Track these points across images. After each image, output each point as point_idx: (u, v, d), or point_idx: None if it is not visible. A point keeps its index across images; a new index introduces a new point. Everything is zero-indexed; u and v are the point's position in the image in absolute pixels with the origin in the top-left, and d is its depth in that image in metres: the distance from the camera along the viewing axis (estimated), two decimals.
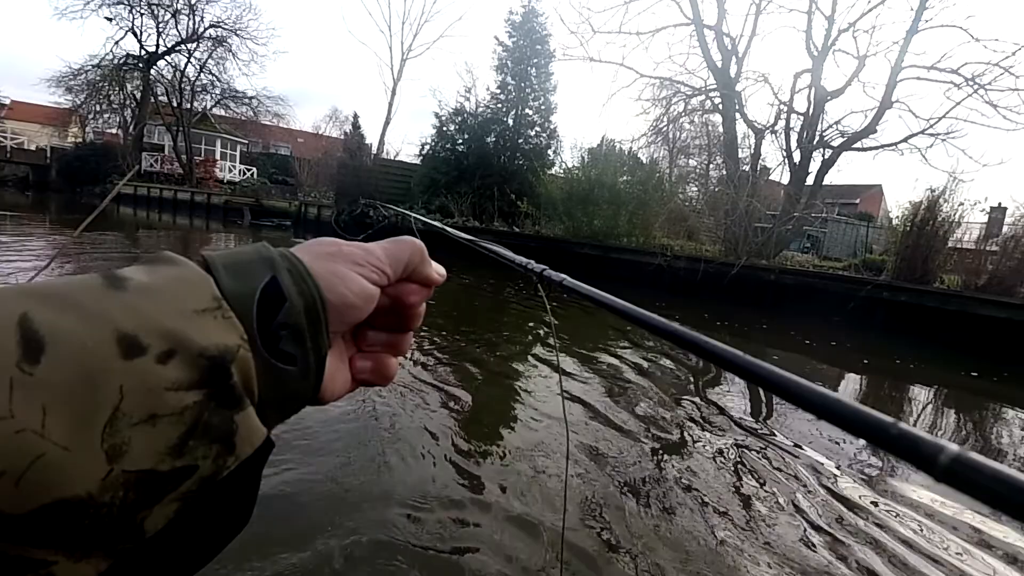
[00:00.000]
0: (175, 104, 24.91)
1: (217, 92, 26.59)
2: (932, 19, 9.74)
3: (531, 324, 5.94)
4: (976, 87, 9.47)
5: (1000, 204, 9.15)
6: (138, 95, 26.46)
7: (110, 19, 24.31)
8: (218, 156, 27.57)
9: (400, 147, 38.96)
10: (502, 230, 12.43)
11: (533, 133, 14.90)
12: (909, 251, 7.95)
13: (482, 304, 7.10)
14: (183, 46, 24.88)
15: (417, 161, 16.58)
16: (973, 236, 8.35)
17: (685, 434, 3.11)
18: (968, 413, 4.62)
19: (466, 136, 14.91)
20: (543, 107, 14.86)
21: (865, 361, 6.18)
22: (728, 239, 9.67)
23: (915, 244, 7.93)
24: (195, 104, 25.85)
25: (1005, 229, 8.19)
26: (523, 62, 14.55)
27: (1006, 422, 4.40)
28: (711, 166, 18.34)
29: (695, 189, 18.30)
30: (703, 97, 13.06)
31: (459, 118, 15.07)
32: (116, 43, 24.80)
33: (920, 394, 5.13)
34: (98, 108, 27.17)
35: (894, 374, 5.79)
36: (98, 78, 25.37)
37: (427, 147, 15.63)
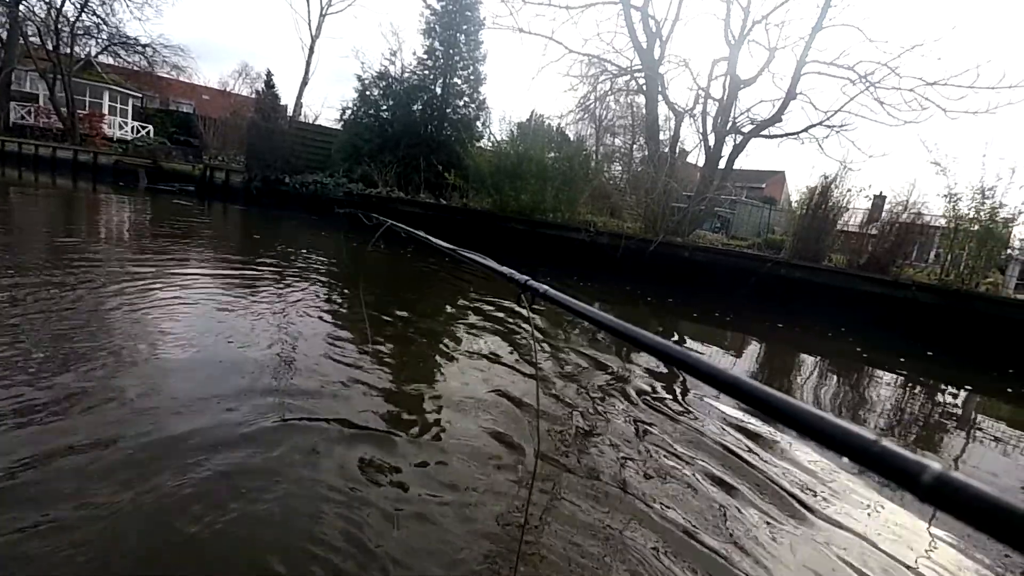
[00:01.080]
0: (51, 47, 21.69)
1: (104, 37, 23.45)
2: (834, 18, 10.51)
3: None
4: (868, 84, 10.39)
5: (881, 192, 10.23)
6: (3, 35, 22.79)
7: None
8: (106, 110, 24.52)
9: (320, 110, 36.73)
10: (428, 202, 12.15)
11: (462, 103, 14.55)
12: (804, 232, 8.73)
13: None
14: None
15: (338, 126, 15.69)
16: (857, 220, 9.30)
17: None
18: (844, 376, 5.21)
19: (391, 102, 14.28)
20: (472, 77, 14.51)
21: (770, 325, 6.78)
22: (648, 217, 10.07)
23: (809, 226, 8.71)
24: (76, 49, 22.64)
25: (884, 215, 9.18)
26: (452, 28, 14.07)
27: (876, 382, 5.01)
28: (635, 146, 18.92)
29: (619, 168, 18.88)
30: (628, 77, 13.35)
31: (384, 83, 14.38)
32: None
33: (806, 360, 5.70)
34: None
35: (789, 342, 6.39)
36: None
37: (349, 112, 14.80)
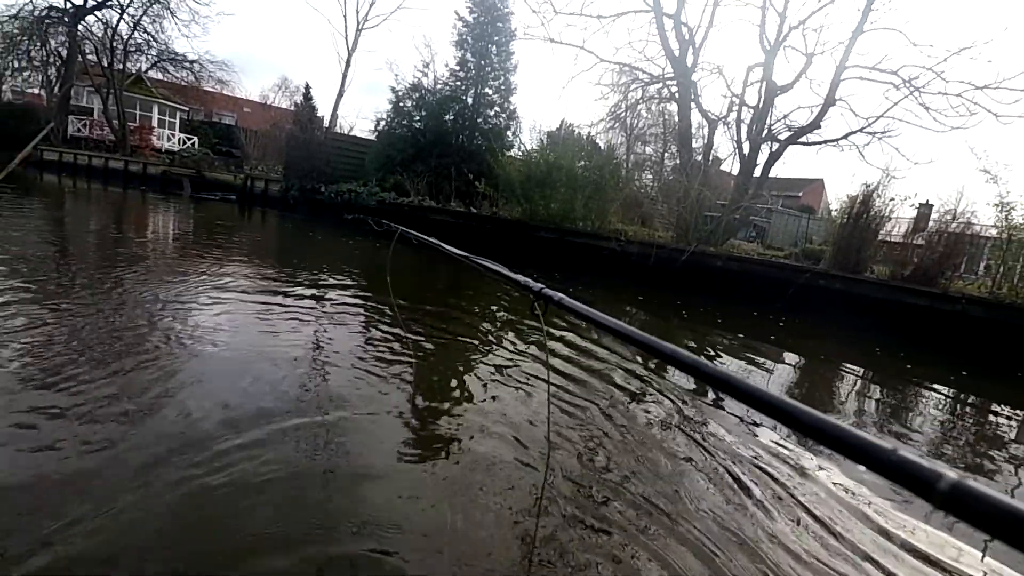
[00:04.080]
0: (105, 64, 22.95)
1: (153, 53, 24.70)
2: (876, 21, 10.21)
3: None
4: (912, 89, 10.03)
5: (928, 201, 9.81)
6: (63, 53, 24.24)
7: None
8: (155, 123, 25.73)
9: (354, 121, 37.77)
10: (459, 210, 12.27)
11: (492, 113, 14.70)
12: (844, 242, 8.43)
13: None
14: (115, 0, 22.86)
15: (372, 137, 16.06)
16: (902, 230, 8.93)
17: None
18: (887, 389, 4.98)
19: (423, 113, 14.53)
20: (503, 87, 14.66)
21: (807, 342, 6.55)
22: (680, 226, 9.92)
23: (850, 236, 8.41)
24: (128, 65, 23.90)
25: (931, 225, 8.79)
26: (483, 39, 14.26)
27: (921, 398, 4.78)
28: (666, 154, 18.74)
29: (650, 176, 18.71)
30: (660, 85, 13.26)
31: (416, 94, 14.66)
32: None
33: (847, 374, 5.47)
34: (16, 65, 24.75)
35: (825, 355, 6.16)
36: (15, 31, 23.03)
37: (383, 123, 15.14)
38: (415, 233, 1.88)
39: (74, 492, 1.76)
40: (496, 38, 14.36)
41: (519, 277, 1.05)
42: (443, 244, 1.46)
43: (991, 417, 4.66)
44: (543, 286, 0.94)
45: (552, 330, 4.80)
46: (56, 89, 24.99)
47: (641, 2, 12.17)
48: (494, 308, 5.92)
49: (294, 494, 1.90)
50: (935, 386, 5.22)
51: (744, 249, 10.59)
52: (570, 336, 4.69)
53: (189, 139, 26.35)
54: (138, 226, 9.75)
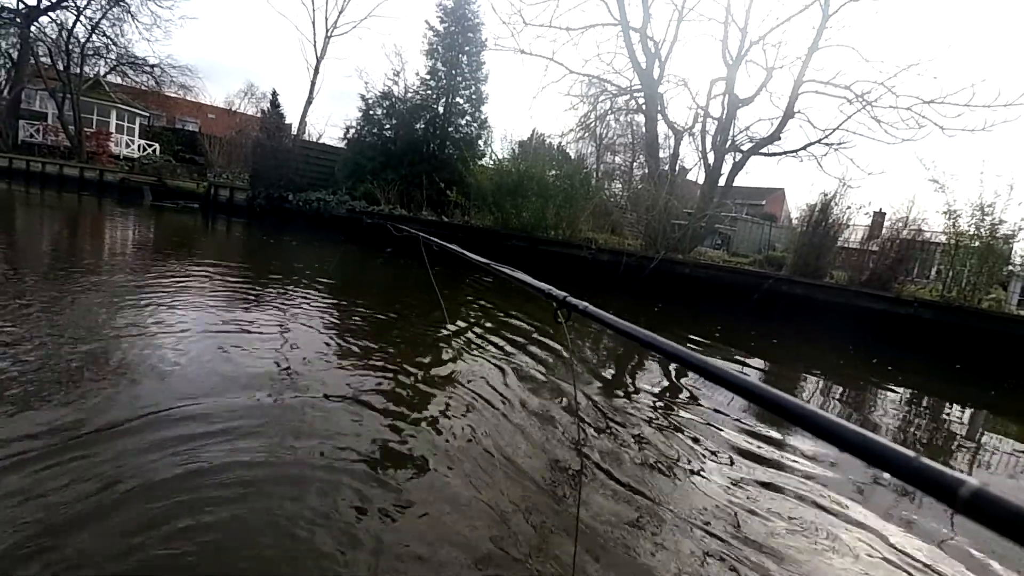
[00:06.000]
0: (61, 67, 22.08)
1: (112, 57, 23.91)
2: (830, 39, 10.71)
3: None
4: (864, 103, 10.53)
5: (880, 209, 10.27)
6: (14, 55, 23.24)
7: None
8: (113, 128, 24.85)
9: (323, 129, 37.19)
10: (430, 219, 12.23)
11: (464, 122, 14.74)
12: (805, 249, 8.74)
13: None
14: (71, 1, 22.05)
15: (341, 145, 15.89)
16: (858, 237, 9.32)
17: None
18: (851, 391, 5.17)
19: (394, 121, 14.46)
20: (474, 96, 14.73)
21: (775, 341, 6.75)
22: (648, 234, 10.12)
23: (810, 243, 8.72)
24: (85, 69, 23.06)
25: (884, 232, 9.20)
26: (454, 49, 14.33)
27: (882, 398, 4.98)
28: (635, 164, 19.12)
29: (619, 185, 19.04)
30: (628, 97, 13.56)
31: (387, 102, 14.59)
32: None
33: (809, 378, 5.66)
34: None
35: (793, 359, 6.36)
36: None
37: (352, 131, 15.00)
38: (436, 240, 1.86)
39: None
40: (467, 48, 14.44)
41: (542, 285, 1.05)
42: (466, 252, 1.43)
43: (944, 412, 4.88)
44: (566, 294, 0.94)
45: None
46: (5, 92, 23.90)
47: (608, 15, 12.46)
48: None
49: None
50: (891, 385, 5.45)
51: (710, 256, 10.86)
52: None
53: (150, 145, 25.54)
54: (94, 239, 9.36)
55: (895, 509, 2.51)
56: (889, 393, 5.21)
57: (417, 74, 14.84)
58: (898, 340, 7.30)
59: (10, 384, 2.49)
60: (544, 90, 30.99)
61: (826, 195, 8.85)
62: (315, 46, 22.77)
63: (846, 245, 9.09)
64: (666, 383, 4.24)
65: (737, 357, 5.76)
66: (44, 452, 1.97)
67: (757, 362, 6.06)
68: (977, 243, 7.63)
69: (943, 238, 8.35)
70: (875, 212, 10.17)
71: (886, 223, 9.32)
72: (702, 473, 2.61)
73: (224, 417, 2.43)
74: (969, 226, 7.78)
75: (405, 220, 12.27)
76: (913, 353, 7.01)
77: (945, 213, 8.02)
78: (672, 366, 4.49)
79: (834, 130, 10.90)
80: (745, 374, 0.40)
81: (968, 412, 5.04)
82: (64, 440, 2.07)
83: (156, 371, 2.91)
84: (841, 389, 5.29)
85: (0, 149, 20.47)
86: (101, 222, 12.01)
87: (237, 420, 2.42)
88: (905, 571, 2.02)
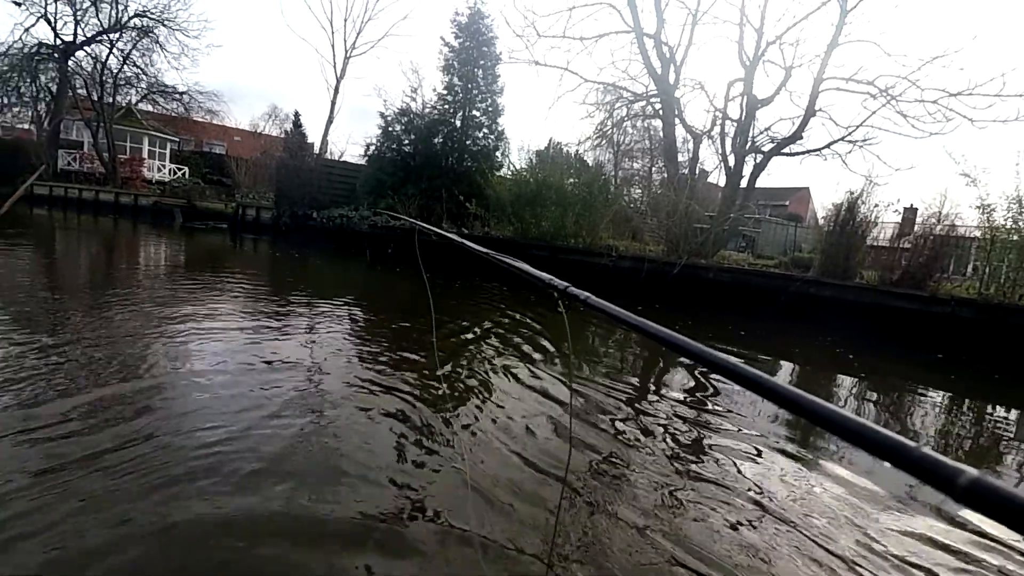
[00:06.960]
0: (95, 98, 23.12)
1: (143, 86, 24.97)
2: (850, 34, 10.51)
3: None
4: (889, 98, 10.28)
5: (912, 205, 9.96)
6: (53, 88, 24.42)
7: (19, 3, 22.32)
8: (145, 154, 25.85)
9: (344, 147, 38.11)
10: (450, 232, 12.34)
11: (481, 135, 14.87)
12: (832, 249, 8.52)
13: None
14: (104, 36, 23.12)
15: (362, 162, 16.18)
16: (888, 235, 9.05)
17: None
18: (883, 392, 5.01)
19: (413, 137, 14.68)
20: (490, 109, 14.86)
21: (796, 350, 6.58)
22: (670, 239, 10.02)
23: (837, 243, 8.51)
24: (118, 98, 24.12)
25: (916, 228, 8.92)
26: (470, 63, 14.51)
27: (921, 401, 4.80)
28: (653, 169, 19.00)
29: (639, 191, 18.91)
30: (644, 103, 13.51)
31: (405, 118, 14.83)
32: (26, 30, 22.85)
33: (844, 379, 5.50)
34: (6, 101, 24.92)
35: (820, 362, 6.19)
36: (5, 67, 23.24)
37: (372, 148, 15.27)
38: (434, 228, 1.83)
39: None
40: (482, 62, 14.61)
41: (543, 275, 1.04)
42: (467, 242, 1.36)
43: (987, 415, 4.68)
44: (568, 284, 0.93)
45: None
46: (46, 124, 25.11)
47: (622, 23, 12.48)
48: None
49: None
50: (929, 387, 5.25)
51: (734, 259, 10.69)
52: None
53: (179, 169, 26.46)
54: (130, 259, 9.71)
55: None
56: (929, 394, 5.03)
57: (434, 90, 15.07)
58: (934, 340, 7.04)
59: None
60: (560, 99, 31.20)
61: (852, 193, 8.65)
62: (335, 67, 23.43)
63: (876, 243, 8.84)
64: (690, 382, 4.17)
65: (761, 357, 5.64)
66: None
67: (786, 364, 5.93)
68: (1015, 236, 7.34)
69: (978, 233, 8.06)
70: (906, 208, 9.87)
71: (918, 219, 9.04)
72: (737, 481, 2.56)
73: None
74: (1005, 219, 7.51)
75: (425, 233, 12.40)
76: (951, 353, 6.75)
77: (979, 207, 7.77)
78: (690, 362, 4.42)
79: (858, 126, 10.67)
80: (744, 364, 0.40)
81: (1015, 413, 4.83)
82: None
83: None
84: (876, 394, 5.12)
85: (43, 178, 21.45)
86: (142, 243, 12.45)
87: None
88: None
